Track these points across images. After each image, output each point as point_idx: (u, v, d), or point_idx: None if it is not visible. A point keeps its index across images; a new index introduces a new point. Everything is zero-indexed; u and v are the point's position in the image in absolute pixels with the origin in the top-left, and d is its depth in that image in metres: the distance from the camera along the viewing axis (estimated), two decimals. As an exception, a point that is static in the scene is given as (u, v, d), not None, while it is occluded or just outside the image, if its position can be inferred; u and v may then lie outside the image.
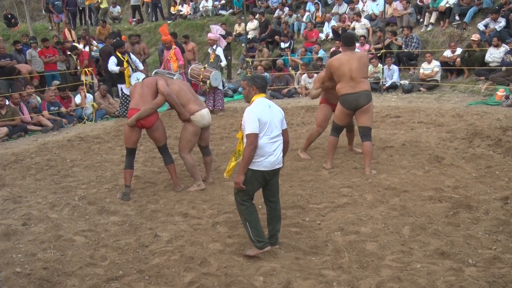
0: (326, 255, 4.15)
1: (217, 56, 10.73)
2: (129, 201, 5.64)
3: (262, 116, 3.99)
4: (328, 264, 3.99)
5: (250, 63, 13.27)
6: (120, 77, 10.59)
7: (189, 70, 10.64)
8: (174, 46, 11.18)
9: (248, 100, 4.19)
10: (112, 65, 10.47)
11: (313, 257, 4.14)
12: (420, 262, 3.90)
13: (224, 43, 11.19)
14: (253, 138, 3.95)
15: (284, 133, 4.21)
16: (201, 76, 10.28)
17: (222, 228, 4.78)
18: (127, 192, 5.77)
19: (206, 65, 10.49)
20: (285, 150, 4.27)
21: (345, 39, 6.22)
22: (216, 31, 10.84)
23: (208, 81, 10.19)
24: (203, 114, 5.85)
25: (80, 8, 18.74)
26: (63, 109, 10.19)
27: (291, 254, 4.19)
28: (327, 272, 3.85)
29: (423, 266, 3.83)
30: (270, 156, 4.04)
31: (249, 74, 12.58)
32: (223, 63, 11.11)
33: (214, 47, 10.75)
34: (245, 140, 4.03)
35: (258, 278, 3.79)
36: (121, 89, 10.57)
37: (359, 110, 6.05)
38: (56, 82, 11.97)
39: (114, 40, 11.90)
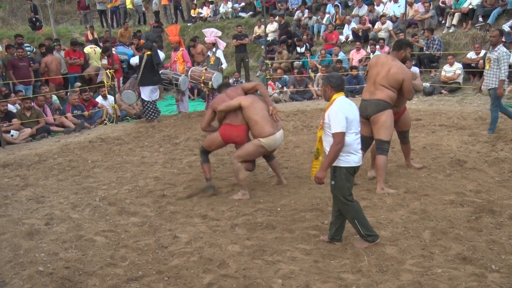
0: (345, 258, 4.13)
1: (217, 59, 10.76)
2: (148, 203, 5.69)
3: (349, 114, 4.06)
4: (347, 267, 3.96)
5: (270, 65, 13.28)
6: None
7: (189, 72, 10.50)
8: (182, 48, 11.21)
9: (328, 99, 4.23)
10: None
11: (332, 260, 4.12)
12: (441, 267, 3.84)
13: (223, 44, 11.19)
14: (341, 137, 4.01)
15: None
16: (203, 78, 10.23)
17: (241, 230, 4.79)
18: (209, 185, 5.83)
19: (207, 67, 10.52)
20: None
21: (395, 43, 6.05)
22: (210, 34, 10.86)
23: (210, 83, 10.16)
24: (276, 138, 5.61)
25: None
26: (85, 113, 10.32)
27: (310, 257, 4.17)
28: (346, 276, 3.82)
29: (444, 271, 3.77)
30: (358, 151, 4.14)
31: (268, 76, 12.60)
32: (224, 65, 11.12)
33: (214, 49, 10.81)
34: (328, 139, 4.08)
35: (277, 281, 3.78)
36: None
37: (370, 120, 5.64)
38: (78, 84, 12.15)
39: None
